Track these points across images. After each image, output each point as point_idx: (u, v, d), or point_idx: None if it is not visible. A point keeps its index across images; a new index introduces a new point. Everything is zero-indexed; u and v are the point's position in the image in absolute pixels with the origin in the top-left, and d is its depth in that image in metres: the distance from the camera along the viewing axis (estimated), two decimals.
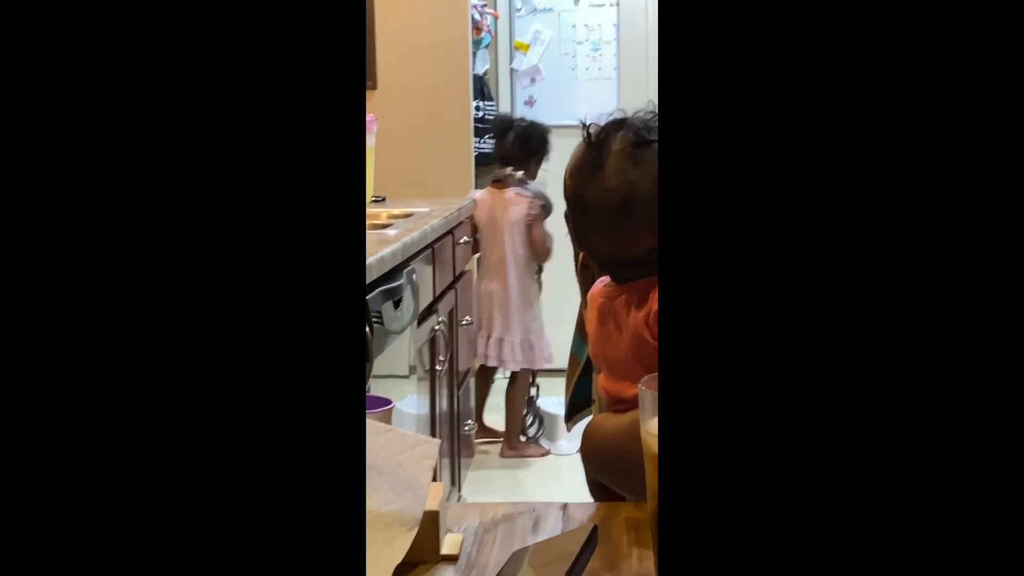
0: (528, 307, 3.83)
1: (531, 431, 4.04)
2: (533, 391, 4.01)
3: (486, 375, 4.01)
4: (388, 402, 1.06)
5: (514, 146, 3.84)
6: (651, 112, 1.15)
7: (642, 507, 1.03)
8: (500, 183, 3.82)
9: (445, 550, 0.95)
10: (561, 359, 4.23)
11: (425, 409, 2.76)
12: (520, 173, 3.80)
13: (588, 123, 1.16)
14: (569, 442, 3.86)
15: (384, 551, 0.91)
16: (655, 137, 1.12)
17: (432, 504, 0.94)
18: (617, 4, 4.82)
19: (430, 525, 0.93)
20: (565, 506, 1.08)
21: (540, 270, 3.92)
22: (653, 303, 1.11)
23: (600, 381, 1.22)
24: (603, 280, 1.22)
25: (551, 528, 1.02)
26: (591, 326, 1.22)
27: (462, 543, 0.97)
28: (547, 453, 3.96)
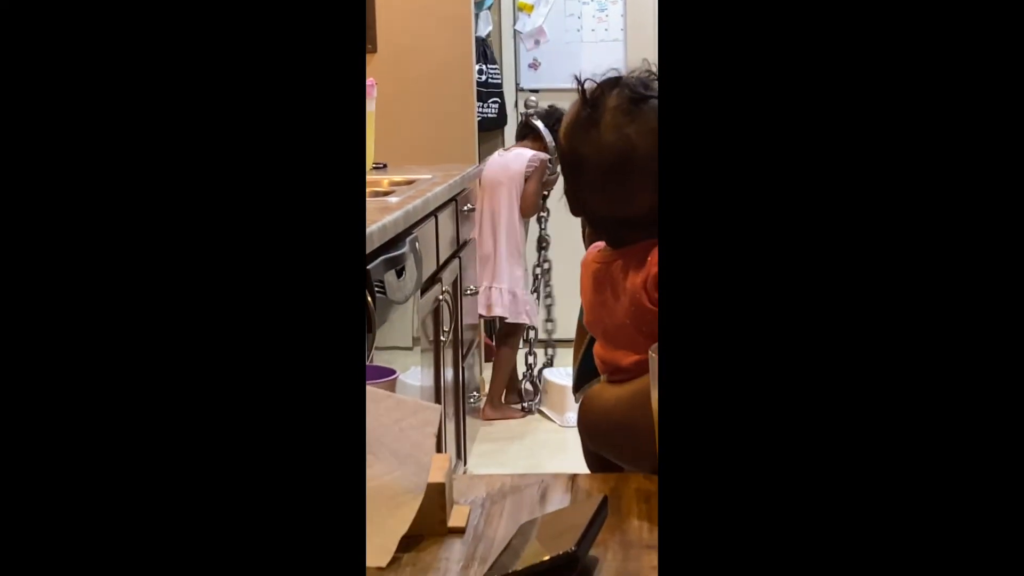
0: (514, 259, 3.90)
1: (528, 398, 4.10)
2: (531, 359, 4.07)
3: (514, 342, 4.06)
4: (392, 372, 1.05)
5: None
6: (647, 71, 1.15)
7: (652, 478, 1.03)
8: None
9: (452, 522, 0.95)
10: (569, 329, 4.21)
11: (430, 381, 2.76)
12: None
13: (584, 79, 1.15)
14: (575, 413, 3.87)
15: (388, 521, 0.91)
16: (651, 94, 1.12)
17: (438, 476, 0.94)
18: None
19: (436, 497, 0.93)
20: (574, 477, 1.08)
21: (543, 246, 3.99)
22: (652, 266, 1.10)
23: (596, 351, 1.21)
24: (597, 245, 1.20)
25: (559, 500, 1.02)
26: (585, 294, 1.21)
27: (469, 515, 0.97)
28: (525, 415, 4.03)
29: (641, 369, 1.10)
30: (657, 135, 1.10)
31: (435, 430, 0.94)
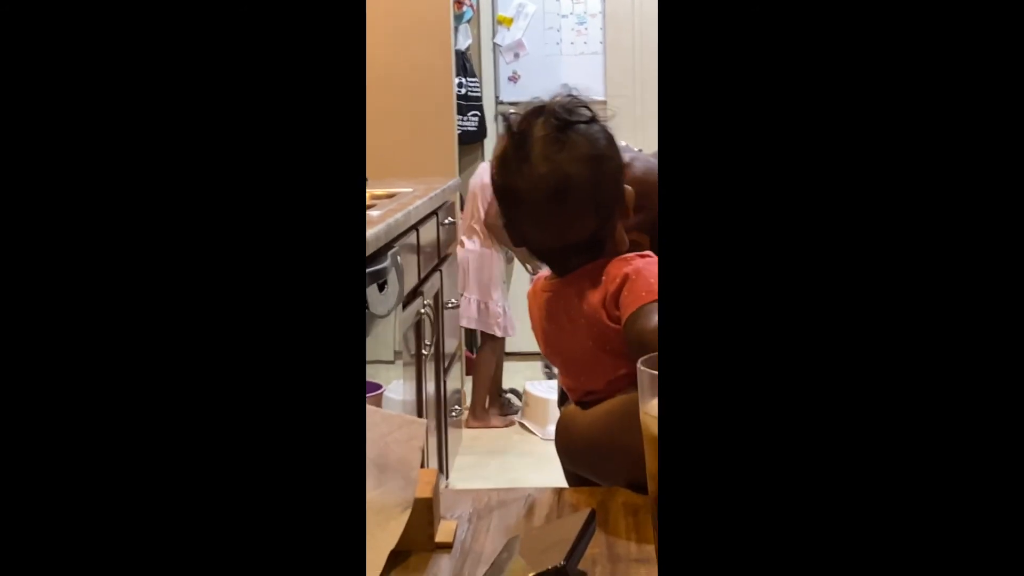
0: (487, 271, 3.94)
1: (509, 410, 4.15)
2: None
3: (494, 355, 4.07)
4: (378, 387, 1.05)
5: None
6: (568, 96, 1.14)
7: (637, 493, 1.03)
8: None
9: (439, 538, 0.95)
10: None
11: (412, 395, 2.76)
12: None
13: (508, 114, 1.15)
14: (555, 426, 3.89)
15: (377, 535, 0.90)
16: (577, 118, 1.11)
17: (425, 491, 0.94)
18: None
19: (424, 512, 0.93)
20: (560, 491, 1.08)
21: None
22: (609, 284, 1.09)
23: (561, 379, 1.20)
24: (543, 275, 1.20)
25: (546, 514, 1.02)
26: (537, 323, 1.20)
27: (456, 530, 0.97)
28: (511, 424, 4.05)
29: (613, 388, 1.10)
30: (593, 160, 1.10)
31: (421, 444, 0.94)
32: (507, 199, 1.14)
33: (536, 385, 4.11)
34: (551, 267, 1.18)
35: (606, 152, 1.12)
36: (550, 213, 1.10)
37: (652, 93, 4.06)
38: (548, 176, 1.09)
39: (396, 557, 0.91)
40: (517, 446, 3.91)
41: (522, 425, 4.06)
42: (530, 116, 1.13)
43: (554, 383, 4.12)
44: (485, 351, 4.05)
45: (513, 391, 4.20)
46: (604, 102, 4.51)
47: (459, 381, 3.70)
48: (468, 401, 4.04)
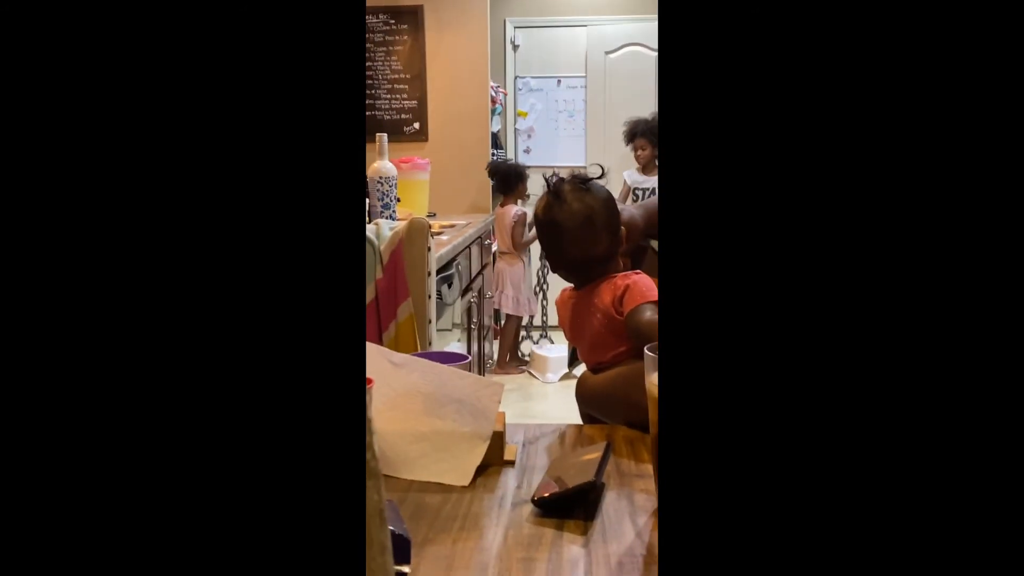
0: (516, 274, 3.92)
1: (520, 363, 4.11)
2: (533, 335, 4.13)
3: (514, 327, 4.06)
4: (466, 357, 1.03)
5: (505, 179, 3.92)
6: (575, 174, 1.18)
7: (633, 430, 1.02)
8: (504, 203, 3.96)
9: (507, 456, 0.93)
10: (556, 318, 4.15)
11: (465, 352, 2.75)
12: (518, 203, 3.94)
13: (546, 177, 1.20)
14: (553, 374, 3.87)
15: (469, 456, 0.89)
16: (591, 178, 1.17)
17: (499, 427, 0.93)
18: (585, 87, 4.77)
19: (498, 440, 0.92)
20: (580, 427, 1.06)
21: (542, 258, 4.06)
22: (616, 290, 1.10)
23: (582, 356, 1.20)
24: (565, 291, 1.20)
25: (572, 442, 1.01)
26: (565, 323, 1.20)
27: (517, 452, 0.95)
28: (522, 372, 4.00)
29: (616, 360, 1.10)
30: (604, 201, 1.14)
31: (499, 398, 0.93)
32: (551, 230, 1.15)
33: (539, 347, 4.08)
34: (577, 280, 1.17)
35: (610, 197, 1.17)
36: (581, 234, 1.13)
37: (618, 164, 4.02)
38: (580, 210, 1.13)
39: (480, 469, 0.89)
40: (526, 387, 3.88)
41: (530, 373, 4.04)
42: (559, 180, 1.17)
43: (552, 346, 4.11)
44: (508, 326, 4.03)
45: (528, 353, 4.18)
46: (585, 167, 4.49)
47: (490, 345, 3.68)
48: (496, 356, 4.03)
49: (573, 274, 1.17)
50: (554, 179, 1.19)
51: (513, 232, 3.88)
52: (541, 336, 4.31)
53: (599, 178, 1.18)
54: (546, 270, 4.28)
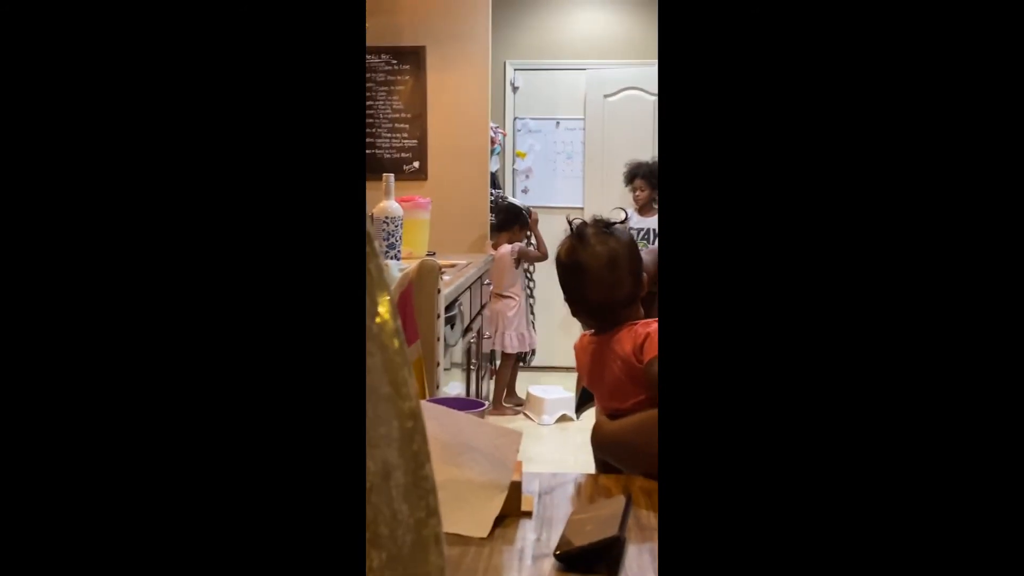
0: (514, 311, 3.94)
1: (520, 402, 4.08)
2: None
3: (509, 367, 4.04)
4: (482, 404, 1.03)
5: (507, 217, 3.99)
6: (597, 219, 1.18)
7: (649, 480, 1.01)
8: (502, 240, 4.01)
9: (524, 508, 0.92)
10: (551, 358, 4.18)
11: (463, 392, 2.73)
12: (519, 243, 3.98)
13: (570, 220, 1.20)
14: (549, 416, 3.85)
15: (487, 506, 0.88)
16: (612, 222, 1.18)
17: (516, 476, 0.92)
18: (584, 128, 4.83)
19: (516, 490, 0.91)
20: (596, 476, 1.06)
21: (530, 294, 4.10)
22: (638, 337, 1.09)
23: (600, 402, 1.18)
24: (585, 336, 1.19)
25: (589, 492, 1.00)
26: (583, 368, 1.19)
27: (534, 502, 0.94)
28: (517, 413, 3.98)
29: (635, 407, 1.09)
30: (628, 245, 1.14)
31: (517, 447, 0.92)
32: (574, 273, 1.15)
33: (535, 388, 4.06)
34: (597, 324, 1.17)
35: (632, 241, 1.17)
36: (605, 277, 1.13)
37: (609, 202, 4.05)
38: (604, 253, 1.13)
39: (499, 519, 0.88)
40: (521, 429, 3.85)
41: (525, 414, 4.01)
42: (582, 224, 1.17)
43: (546, 387, 4.10)
44: (503, 366, 4.01)
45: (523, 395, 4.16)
46: (582, 208, 4.52)
47: (486, 384, 3.66)
48: (491, 397, 4.00)
49: (594, 318, 1.17)
50: (577, 222, 1.18)
51: (518, 253, 3.95)
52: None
53: (622, 223, 1.19)
54: (532, 301, 4.29)
